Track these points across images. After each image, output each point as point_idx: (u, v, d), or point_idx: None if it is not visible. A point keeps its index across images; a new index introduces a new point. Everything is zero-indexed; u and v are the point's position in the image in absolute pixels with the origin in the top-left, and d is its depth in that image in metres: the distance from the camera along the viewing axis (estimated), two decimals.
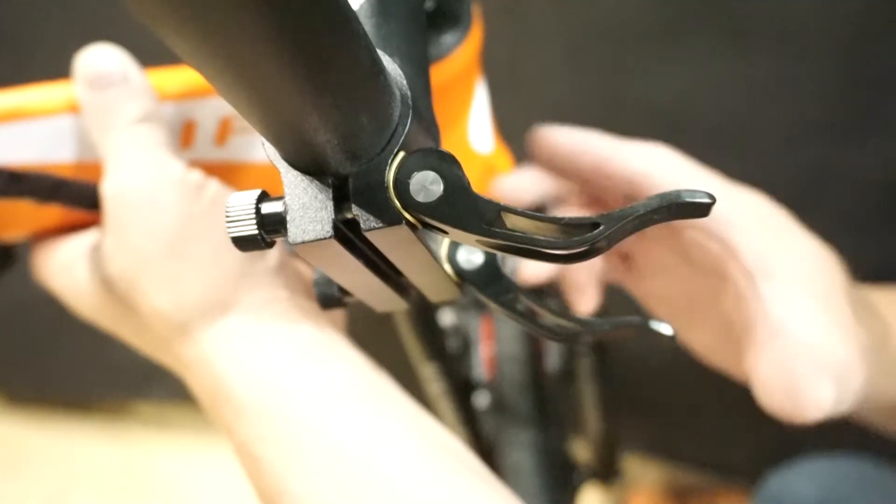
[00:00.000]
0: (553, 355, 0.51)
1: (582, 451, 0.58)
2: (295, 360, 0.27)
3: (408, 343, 0.44)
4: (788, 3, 0.56)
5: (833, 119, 0.60)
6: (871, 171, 0.61)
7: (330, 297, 0.24)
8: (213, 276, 0.27)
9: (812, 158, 0.62)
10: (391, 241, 0.19)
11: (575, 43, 0.61)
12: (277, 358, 0.27)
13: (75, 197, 0.28)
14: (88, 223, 0.30)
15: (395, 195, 0.17)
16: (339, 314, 0.29)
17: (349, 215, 0.18)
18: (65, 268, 0.30)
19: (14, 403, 0.99)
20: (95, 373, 0.90)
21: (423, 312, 0.43)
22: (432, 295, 0.24)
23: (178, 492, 0.90)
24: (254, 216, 0.19)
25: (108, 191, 0.27)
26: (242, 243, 0.19)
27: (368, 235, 0.18)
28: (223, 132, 0.29)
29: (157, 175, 0.26)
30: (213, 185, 0.27)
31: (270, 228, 0.19)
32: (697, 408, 0.76)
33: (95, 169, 0.28)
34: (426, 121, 0.21)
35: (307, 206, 0.18)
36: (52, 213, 0.29)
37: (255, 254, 0.27)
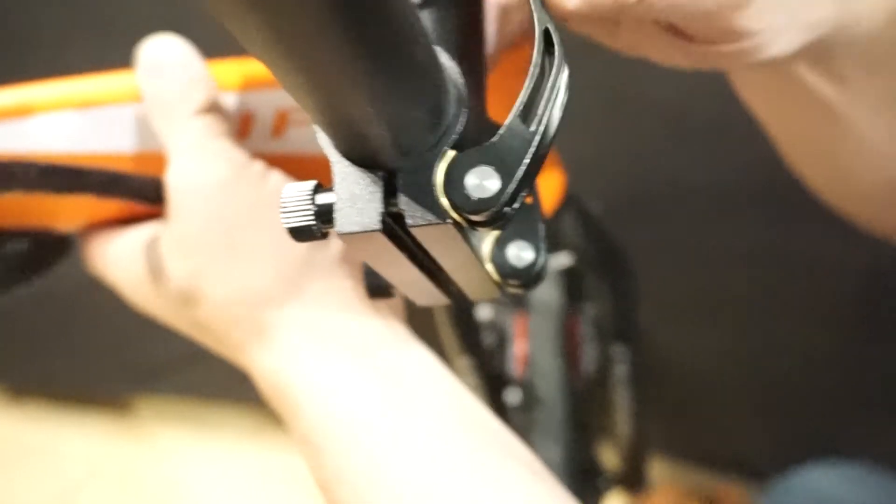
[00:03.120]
0: (588, 358, 0.51)
1: (609, 456, 0.58)
2: (357, 352, 0.27)
3: (444, 335, 0.44)
4: None
5: None
6: None
7: (378, 288, 0.24)
8: (276, 266, 0.27)
9: None
10: (436, 238, 0.19)
11: (574, 43, 0.60)
12: (339, 349, 0.27)
13: (136, 191, 0.28)
14: (145, 214, 0.30)
15: (444, 193, 0.18)
16: (397, 303, 0.29)
17: (396, 209, 0.18)
18: (123, 260, 0.30)
19: (20, 399, 0.99)
20: (102, 368, 0.90)
21: (462, 306, 0.43)
22: (472, 293, 0.24)
23: (185, 487, 0.90)
24: (310, 206, 0.19)
25: (173, 181, 0.27)
26: (298, 234, 0.19)
27: (413, 231, 0.18)
28: (280, 124, 0.29)
29: (221, 165, 0.26)
30: (275, 176, 0.27)
31: (325, 219, 0.19)
32: (713, 408, 0.76)
33: (157, 159, 0.28)
34: (480, 120, 0.21)
35: (356, 198, 0.18)
36: (110, 204, 0.29)
37: (318, 244, 0.27)
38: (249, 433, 0.91)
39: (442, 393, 0.26)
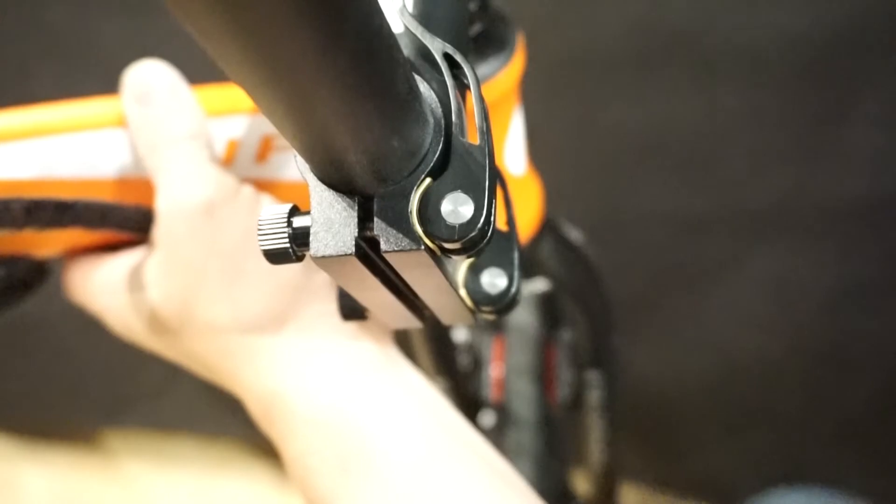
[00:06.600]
0: (563, 384, 0.51)
1: (582, 482, 0.58)
2: (351, 374, 0.27)
3: (420, 356, 0.44)
4: (753, 38, 0.60)
5: (796, 146, 0.63)
6: (831, 196, 0.64)
7: (352, 310, 0.25)
8: (270, 290, 0.27)
9: (775, 184, 0.65)
10: (410, 264, 0.19)
11: (550, 73, 0.62)
12: (334, 371, 0.27)
13: (123, 222, 0.27)
14: (128, 240, 0.30)
15: (418, 220, 0.18)
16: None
17: (371, 234, 0.18)
18: (108, 288, 0.29)
19: None
20: (68, 399, 0.88)
21: (438, 328, 0.43)
22: (445, 317, 0.25)
23: None
24: (285, 229, 0.19)
25: (163, 206, 0.26)
26: (273, 256, 0.19)
27: (387, 256, 0.18)
28: (264, 150, 0.29)
29: (212, 190, 0.26)
30: (266, 199, 0.28)
31: (301, 242, 0.19)
32: (684, 434, 0.77)
33: (139, 184, 0.28)
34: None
35: (332, 222, 0.18)
36: (94, 233, 0.29)
37: (312, 268, 0.27)
38: (219, 466, 0.90)
39: (431, 411, 0.27)
